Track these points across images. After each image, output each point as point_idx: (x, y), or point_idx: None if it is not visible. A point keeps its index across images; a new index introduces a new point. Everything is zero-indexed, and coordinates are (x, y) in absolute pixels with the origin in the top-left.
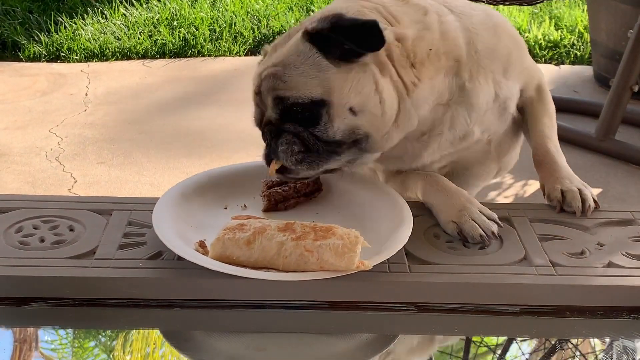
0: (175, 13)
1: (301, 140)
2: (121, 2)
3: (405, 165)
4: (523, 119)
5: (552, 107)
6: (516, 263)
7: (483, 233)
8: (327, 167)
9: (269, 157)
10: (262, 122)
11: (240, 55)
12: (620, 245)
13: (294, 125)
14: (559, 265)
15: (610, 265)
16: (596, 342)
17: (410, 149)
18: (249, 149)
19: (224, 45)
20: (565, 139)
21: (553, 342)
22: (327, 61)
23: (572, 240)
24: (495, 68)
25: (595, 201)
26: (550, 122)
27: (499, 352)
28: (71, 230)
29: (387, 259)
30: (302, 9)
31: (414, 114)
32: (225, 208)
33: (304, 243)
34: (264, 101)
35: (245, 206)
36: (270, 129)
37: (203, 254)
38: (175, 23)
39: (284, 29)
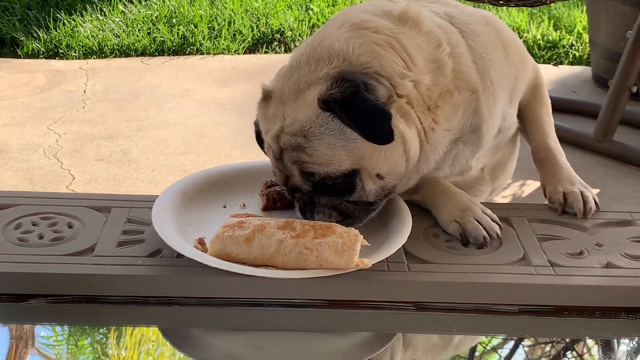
0: (174, 11)
1: (338, 210)
2: (120, 0)
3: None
4: (521, 118)
5: (549, 104)
6: (515, 263)
7: (486, 234)
8: (364, 222)
9: (304, 213)
10: (288, 185)
11: (239, 54)
12: (619, 245)
13: (329, 198)
14: (557, 265)
15: (608, 265)
16: (594, 342)
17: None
18: (246, 147)
19: (223, 43)
20: (564, 139)
21: (551, 342)
22: (350, 129)
23: (570, 240)
24: (504, 96)
25: (596, 202)
26: (549, 119)
27: (498, 351)
28: (70, 227)
29: (386, 258)
30: (301, 7)
31: (432, 158)
32: (224, 207)
33: (303, 241)
34: (288, 169)
35: (244, 205)
36: (303, 199)
37: (202, 251)
38: (174, 21)
39: (283, 27)
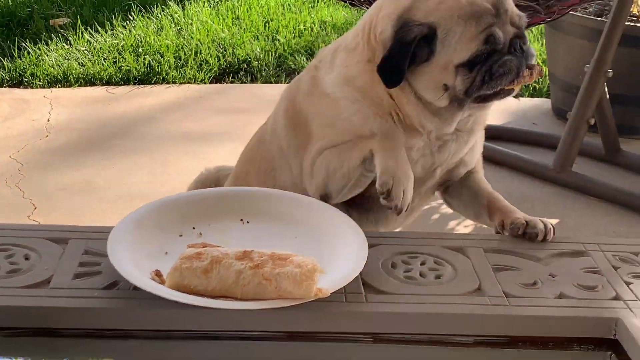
0: (140, 40)
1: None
2: (86, 29)
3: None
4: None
5: None
6: (470, 293)
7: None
8: None
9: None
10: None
11: (205, 83)
12: (572, 276)
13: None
14: (511, 295)
15: (561, 296)
16: None
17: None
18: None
19: (189, 73)
20: (524, 170)
21: None
22: None
23: (525, 270)
24: None
25: (553, 231)
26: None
27: None
28: (27, 259)
29: (345, 289)
30: (268, 38)
31: None
32: (181, 236)
33: (262, 271)
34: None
35: (200, 234)
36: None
37: (159, 283)
38: (140, 50)
39: (249, 58)
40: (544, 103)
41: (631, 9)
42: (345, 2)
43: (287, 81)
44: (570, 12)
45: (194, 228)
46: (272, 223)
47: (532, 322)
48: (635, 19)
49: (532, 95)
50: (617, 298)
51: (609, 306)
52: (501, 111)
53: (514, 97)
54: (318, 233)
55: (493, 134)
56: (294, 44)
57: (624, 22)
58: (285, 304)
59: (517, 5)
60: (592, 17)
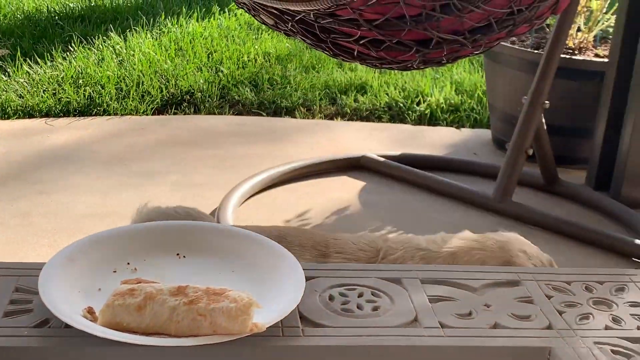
0: (80, 71)
1: None
2: (25, 60)
3: None
4: None
5: None
6: (407, 325)
7: None
8: None
9: None
10: None
11: (147, 114)
12: (506, 306)
13: None
14: (447, 326)
15: (496, 325)
16: None
17: None
18: None
19: (131, 104)
20: (465, 200)
21: None
22: None
23: (460, 301)
24: None
25: None
26: None
27: None
28: None
29: (281, 324)
30: (211, 70)
31: None
32: (115, 272)
33: (196, 307)
34: None
35: (135, 269)
36: None
37: (92, 320)
38: (80, 81)
39: (193, 89)
40: (485, 133)
41: (567, 42)
42: (281, 32)
43: (231, 112)
44: (509, 45)
45: (128, 263)
46: (209, 257)
47: (467, 353)
48: (571, 51)
49: (473, 126)
50: (550, 327)
51: (543, 335)
52: (442, 142)
53: (455, 127)
54: (256, 267)
55: (434, 164)
56: (238, 75)
57: (560, 54)
58: (220, 339)
59: (442, 40)
60: (529, 49)
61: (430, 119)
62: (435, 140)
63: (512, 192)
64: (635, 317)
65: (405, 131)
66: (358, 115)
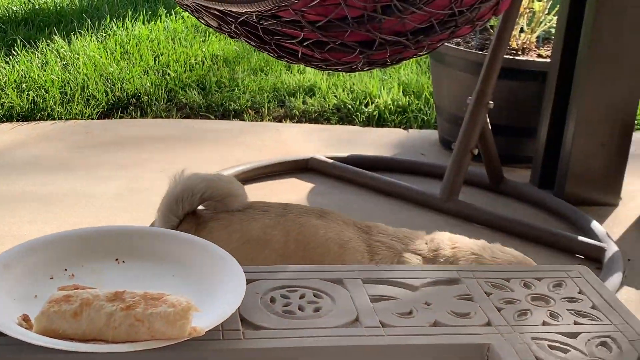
0: (24, 75)
1: None
2: None
3: None
4: None
5: None
6: (348, 325)
7: None
8: None
9: None
10: None
11: (92, 118)
12: (446, 304)
13: None
14: (388, 325)
15: (436, 324)
16: None
17: None
18: (98, 214)
19: (76, 108)
20: (412, 200)
21: None
22: None
23: (401, 300)
24: None
25: None
26: None
27: None
28: None
29: (222, 327)
30: (158, 72)
31: None
32: (52, 278)
33: (134, 312)
34: None
35: (72, 275)
36: None
37: (27, 328)
38: (23, 86)
39: (139, 92)
40: (432, 134)
41: (510, 43)
42: (225, 34)
43: (179, 116)
44: (453, 46)
45: (65, 269)
46: (149, 262)
47: (407, 351)
48: (514, 52)
49: (420, 127)
50: (489, 324)
51: (481, 332)
52: (390, 143)
53: (403, 128)
54: (196, 270)
55: (382, 165)
56: (185, 78)
57: (503, 55)
58: (158, 344)
59: (384, 41)
60: (474, 50)
61: (379, 120)
62: (383, 141)
63: (458, 191)
64: (572, 312)
65: (354, 132)
66: (307, 117)
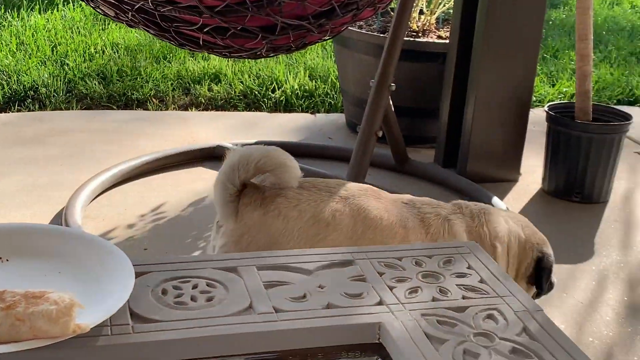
0: None
1: None
2: None
3: None
4: None
5: None
6: (241, 312)
7: None
8: None
9: None
10: None
11: None
12: (340, 286)
13: None
14: (281, 310)
15: (329, 306)
16: None
17: None
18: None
19: None
20: None
21: None
22: None
23: (295, 284)
24: None
25: None
26: None
27: None
28: None
29: (110, 322)
30: (56, 63)
31: None
32: None
33: (14, 312)
34: None
35: None
36: None
37: None
38: None
39: (37, 84)
40: (339, 118)
41: (411, 24)
42: (123, 23)
43: (79, 107)
44: (356, 30)
45: None
46: (35, 259)
47: (300, 335)
48: (415, 34)
49: (327, 111)
50: (380, 303)
51: (373, 312)
52: (298, 128)
53: (310, 113)
54: (83, 266)
55: (290, 150)
56: (85, 68)
57: (403, 37)
58: (41, 343)
59: (286, 25)
60: (375, 33)
61: (286, 106)
62: (291, 126)
63: (364, 173)
64: (461, 287)
65: (261, 118)
66: (213, 104)
